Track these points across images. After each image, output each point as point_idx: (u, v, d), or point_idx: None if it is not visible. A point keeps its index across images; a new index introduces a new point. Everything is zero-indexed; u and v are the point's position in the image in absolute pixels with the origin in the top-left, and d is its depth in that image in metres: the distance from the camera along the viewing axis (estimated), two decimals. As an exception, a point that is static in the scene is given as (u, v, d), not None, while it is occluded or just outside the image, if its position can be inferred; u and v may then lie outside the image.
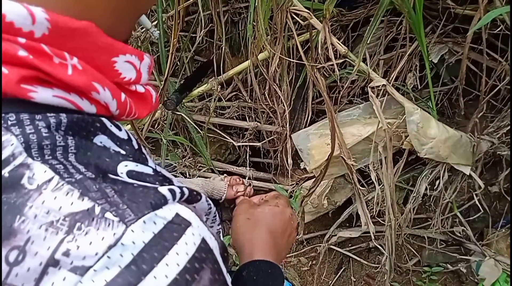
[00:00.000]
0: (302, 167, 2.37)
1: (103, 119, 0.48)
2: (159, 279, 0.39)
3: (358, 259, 2.57)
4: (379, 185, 2.10)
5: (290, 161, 2.31)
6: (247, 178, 2.61)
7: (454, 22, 2.04)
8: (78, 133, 0.44)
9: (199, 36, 2.49)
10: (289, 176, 2.41)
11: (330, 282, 2.57)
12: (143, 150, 0.52)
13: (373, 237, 2.16)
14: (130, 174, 0.44)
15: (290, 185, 2.45)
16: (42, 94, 0.42)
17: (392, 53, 2.15)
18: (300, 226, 2.48)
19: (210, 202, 0.56)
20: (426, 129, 1.92)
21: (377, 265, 2.45)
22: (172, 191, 0.44)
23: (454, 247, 2.44)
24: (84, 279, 0.37)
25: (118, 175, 0.43)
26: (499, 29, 1.86)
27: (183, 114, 2.50)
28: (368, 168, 2.11)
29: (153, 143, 2.96)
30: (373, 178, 2.10)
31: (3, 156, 0.39)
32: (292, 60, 2.08)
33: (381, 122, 1.91)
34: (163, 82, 2.26)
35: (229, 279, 0.47)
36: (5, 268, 0.37)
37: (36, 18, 0.41)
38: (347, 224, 2.59)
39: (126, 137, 0.50)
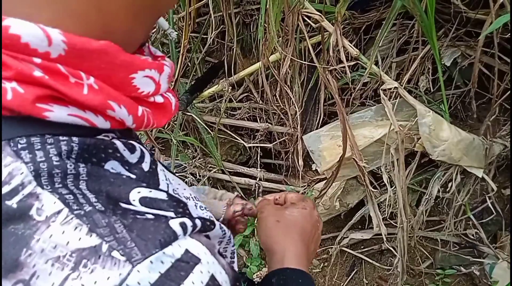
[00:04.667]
0: (313, 169, 2.37)
1: (117, 142, 0.48)
2: None
3: (370, 261, 2.56)
4: (391, 187, 2.09)
5: (301, 162, 2.31)
6: (258, 179, 2.61)
7: (466, 26, 2.02)
8: (90, 160, 0.44)
9: (210, 38, 2.48)
10: (301, 177, 2.40)
11: (342, 284, 2.56)
12: (157, 171, 0.52)
13: (385, 239, 2.15)
14: (143, 201, 0.44)
15: (302, 186, 2.44)
16: (57, 113, 0.42)
17: (404, 56, 2.14)
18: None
19: (225, 228, 0.55)
20: (438, 132, 1.91)
21: (390, 267, 2.44)
22: (183, 225, 0.43)
23: (467, 250, 2.42)
24: None
25: (130, 203, 0.43)
26: (510, 33, 1.84)
27: (193, 115, 2.50)
28: (380, 170, 2.10)
29: (163, 144, 2.96)
30: (385, 180, 2.09)
31: (13, 185, 0.39)
32: (303, 62, 2.08)
33: (393, 124, 1.90)
34: (173, 83, 2.26)
35: None
36: None
37: (53, 40, 0.41)
38: (359, 226, 2.58)
39: (136, 160, 0.50)
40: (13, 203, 0.39)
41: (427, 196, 2.18)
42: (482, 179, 2.15)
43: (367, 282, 2.55)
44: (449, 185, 2.15)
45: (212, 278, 0.43)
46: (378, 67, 1.99)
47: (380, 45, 1.89)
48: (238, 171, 2.70)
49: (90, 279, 0.37)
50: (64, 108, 0.43)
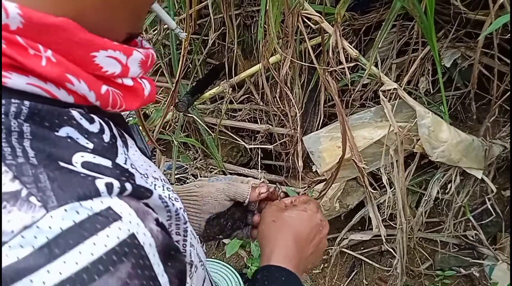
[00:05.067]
0: (313, 170, 2.37)
1: (73, 112, 0.50)
2: (68, 265, 0.39)
3: (370, 262, 2.57)
4: (390, 188, 2.10)
5: (301, 163, 2.31)
6: (259, 180, 2.61)
7: (466, 27, 2.03)
8: (42, 124, 0.46)
9: (211, 39, 2.49)
10: (301, 178, 2.41)
11: (342, 285, 2.57)
12: (116, 145, 0.54)
13: (384, 240, 2.15)
14: (85, 164, 0.46)
15: (302, 187, 2.45)
16: (15, 81, 0.45)
17: (404, 57, 2.15)
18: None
19: (168, 201, 0.56)
20: (437, 133, 1.92)
21: (389, 268, 2.44)
22: (109, 185, 0.45)
23: (467, 251, 2.43)
24: None
25: (71, 164, 0.45)
26: (510, 34, 1.85)
27: (194, 116, 2.51)
28: (380, 171, 2.11)
29: (165, 145, 2.97)
30: (384, 181, 2.10)
31: None
32: (303, 63, 2.09)
33: (393, 125, 1.90)
34: (174, 84, 2.27)
35: (165, 278, 0.48)
36: None
37: (10, 13, 0.43)
38: (359, 227, 2.58)
39: (96, 131, 0.52)
40: None
41: (426, 197, 2.19)
42: (482, 181, 2.15)
43: (366, 283, 2.56)
44: (449, 186, 2.16)
45: (132, 236, 0.44)
46: (378, 69, 2.00)
47: (379, 46, 1.90)
48: (239, 172, 2.71)
49: (5, 218, 0.39)
50: (24, 77, 0.45)
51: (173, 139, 2.57)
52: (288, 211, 1.01)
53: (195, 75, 2.74)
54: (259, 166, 2.65)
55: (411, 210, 2.30)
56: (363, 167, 1.99)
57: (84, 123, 0.51)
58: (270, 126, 2.48)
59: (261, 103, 2.52)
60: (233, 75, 2.41)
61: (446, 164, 2.07)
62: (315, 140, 2.20)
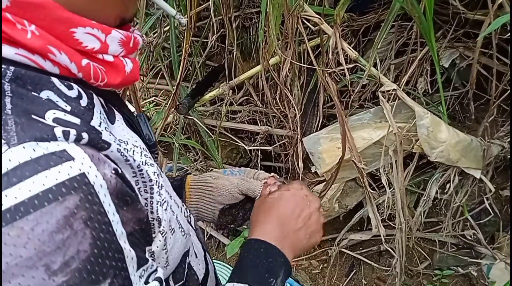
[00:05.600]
0: (313, 171, 2.39)
1: (54, 79, 0.56)
2: (23, 191, 0.45)
3: (369, 262, 2.58)
4: (389, 188, 2.11)
5: (301, 164, 2.33)
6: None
7: (464, 27, 2.04)
8: (24, 86, 0.53)
9: (211, 41, 2.51)
10: (300, 180, 2.42)
11: (341, 284, 2.58)
12: (93, 111, 0.60)
13: (383, 240, 2.16)
14: (56, 120, 0.52)
15: (301, 188, 2.46)
16: (5, 50, 0.52)
17: (403, 58, 2.16)
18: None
19: (127, 155, 0.60)
20: (436, 133, 1.93)
21: (388, 268, 2.46)
22: (66, 132, 0.51)
23: (465, 251, 2.44)
24: None
25: (43, 118, 0.51)
26: (509, 34, 1.86)
27: (194, 119, 2.53)
28: (379, 171, 2.13)
29: (165, 147, 2.99)
30: (383, 181, 2.11)
31: None
32: (303, 65, 2.10)
33: (392, 126, 1.92)
34: (175, 87, 2.29)
35: (116, 217, 0.53)
36: None
37: None
38: (358, 228, 2.60)
39: (74, 96, 0.58)
40: None
41: (425, 198, 2.20)
42: (480, 180, 2.17)
43: (365, 282, 2.57)
44: (447, 186, 2.18)
45: (82, 175, 0.50)
46: (377, 69, 2.01)
47: (378, 47, 1.91)
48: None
49: None
50: (13, 48, 0.53)
51: (174, 141, 2.58)
52: (271, 194, 1.04)
53: (195, 77, 2.75)
54: (259, 168, 2.66)
55: (409, 210, 2.31)
56: (363, 168, 2.00)
57: (63, 89, 0.57)
58: (269, 128, 2.49)
59: (261, 105, 2.53)
60: (233, 77, 2.43)
61: (444, 164, 2.09)
62: (315, 141, 2.21)
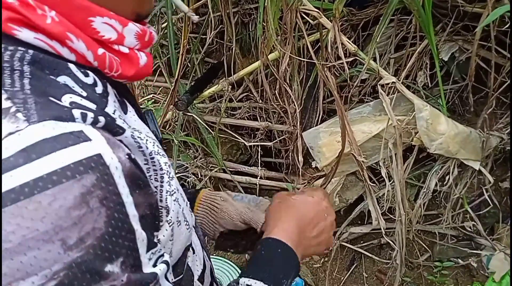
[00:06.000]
0: (313, 166, 2.40)
1: (71, 65, 0.58)
2: (42, 167, 0.46)
3: (370, 255, 2.60)
4: (389, 181, 2.13)
5: (301, 159, 2.34)
6: (258, 177, 2.64)
7: (463, 20, 2.06)
8: (41, 69, 0.54)
9: (209, 38, 2.51)
10: (301, 174, 2.43)
11: (342, 278, 2.59)
12: (108, 98, 0.61)
13: (384, 233, 2.17)
14: (72, 103, 0.53)
15: (302, 183, 2.48)
16: (24, 34, 0.53)
17: (402, 52, 2.17)
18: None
19: (140, 142, 0.61)
20: (435, 125, 1.95)
21: (388, 261, 2.47)
22: (84, 114, 0.52)
23: (465, 242, 2.46)
24: None
25: (60, 101, 0.52)
26: (507, 26, 1.88)
27: (194, 115, 2.53)
28: (379, 165, 2.14)
29: (165, 144, 2.99)
30: (383, 174, 2.13)
31: None
32: (302, 59, 2.11)
33: (391, 119, 1.94)
34: (173, 84, 2.29)
35: (129, 199, 0.53)
36: None
37: None
38: (359, 222, 2.61)
39: (90, 83, 0.59)
40: None
41: (425, 190, 2.22)
42: (479, 172, 2.19)
43: (366, 275, 2.59)
44: (447, 178, 2.19)
45: (99, 155, 0.51)
46: (376, 63, 2.02)
47: (378, 41, 1.93)
48: (239, 170, 2.73)
49: None
50: (32, 33, 0.54)
51: (173, 138, 2.58)
52: (295, 195, 1.06)
53: (194, 74, 2.75)
54: (259, 164, 2.67)
55: (409, 203, 2.33)
56: (362, 161, 2.02)
57: (80, 75, 0.58)
58: (269, 123, 2.50)
59: (260, 101, 2.54)
60: (232, 73, 2.43)
61: (444, 156, 2.11)
62: (315, 135, 2.22)
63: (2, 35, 0.52)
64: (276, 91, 2.28)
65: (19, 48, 0.53)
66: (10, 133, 0.47)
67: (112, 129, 0.56)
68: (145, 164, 0.62)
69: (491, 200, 2.27)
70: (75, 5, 0.57)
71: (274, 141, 2.54)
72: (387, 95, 1.96)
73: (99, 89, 0.60)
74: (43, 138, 0.47)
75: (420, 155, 2.22)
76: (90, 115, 0.53)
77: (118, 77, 0.65)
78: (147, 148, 0.62)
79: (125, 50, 0.64)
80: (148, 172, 0.63)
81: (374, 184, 2.25)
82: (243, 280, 0.83)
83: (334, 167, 2.10)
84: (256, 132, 2.62)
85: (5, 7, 0.52)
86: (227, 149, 2.80)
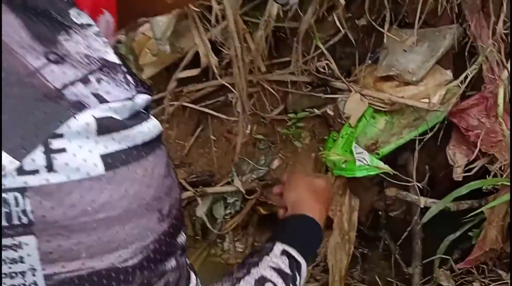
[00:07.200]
0: None
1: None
2: (138, 135, 0.48)
3: (217, 114, 2.24)
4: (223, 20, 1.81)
5: None
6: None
7: None
8: None
9: None
10: None
11: (186, 144, 2.27)
12: None
13: (218, 77, 1.85)
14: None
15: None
16: None
17: None
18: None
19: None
20: None
21: (237, 119, 2.13)
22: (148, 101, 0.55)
23: (320, 89, 2.18)
24: (104, 105, 0.46)
25: None
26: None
27: None
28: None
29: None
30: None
31: None
32: None
33: None
34: None
35: (173, 173, 0.55)
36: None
37: None
38: (204, 79, 2.22)
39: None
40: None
41: (265, 18, 1.85)
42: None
43: (215, 138, 2.26)
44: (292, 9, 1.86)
45: (162, 133, 0.54)
46: None
47: None
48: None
49: (110, 84, 0.50)
50: None
51: None
52: (316, 179, 1.18)
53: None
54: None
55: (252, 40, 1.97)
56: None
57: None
58: None
59: None
60: None
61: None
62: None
63: None
64: None
65: None
66: (128, 99, 0.48)
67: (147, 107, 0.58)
68: None
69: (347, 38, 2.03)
70: None
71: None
72: None
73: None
74: (138, 110, 0.50)
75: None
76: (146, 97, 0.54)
77: None
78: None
79: None
80: None
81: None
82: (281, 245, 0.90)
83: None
84: None
85: None
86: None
